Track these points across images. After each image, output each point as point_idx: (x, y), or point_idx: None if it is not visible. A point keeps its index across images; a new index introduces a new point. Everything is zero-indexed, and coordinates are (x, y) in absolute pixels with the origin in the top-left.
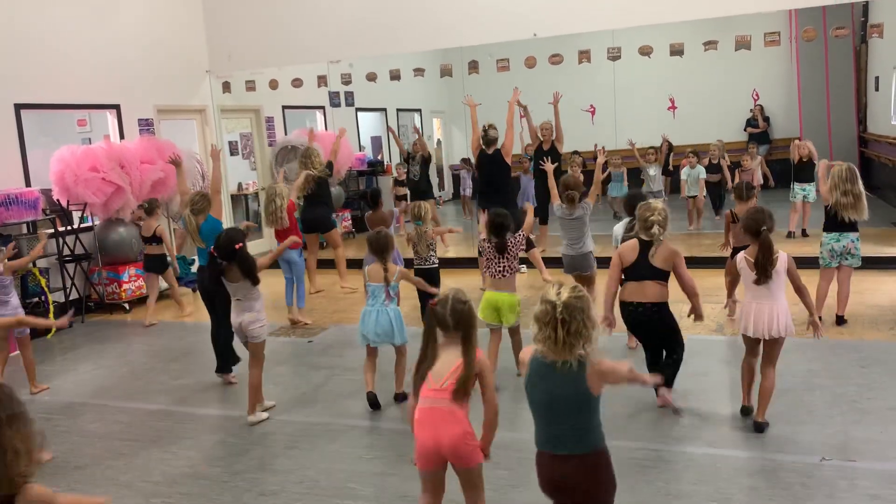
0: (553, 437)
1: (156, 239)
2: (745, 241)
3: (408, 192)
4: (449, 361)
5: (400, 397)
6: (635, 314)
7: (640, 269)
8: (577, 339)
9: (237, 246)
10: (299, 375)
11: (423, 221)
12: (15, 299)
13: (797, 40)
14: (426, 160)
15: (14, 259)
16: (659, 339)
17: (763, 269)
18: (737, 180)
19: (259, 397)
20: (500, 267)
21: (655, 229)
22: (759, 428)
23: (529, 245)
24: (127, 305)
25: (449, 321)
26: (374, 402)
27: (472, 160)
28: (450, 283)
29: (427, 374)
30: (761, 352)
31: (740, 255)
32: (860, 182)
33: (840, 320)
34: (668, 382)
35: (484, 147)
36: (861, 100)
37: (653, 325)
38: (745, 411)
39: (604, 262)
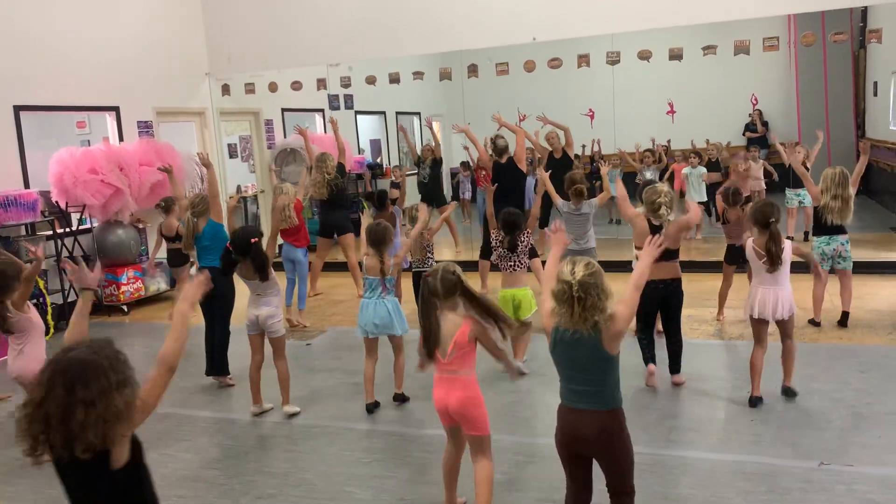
0: (574, 393)
1: (179, 237)
2: (735, 240)
3: (398, 194)
4: (448, 332)
5: (399, 398)
6: (657, 290)
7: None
8: (592, 313)
9: (253, 240)
10: (297, 378)
11: (415, 222)
12: None
13: (796, 45)
14: (437, 163)
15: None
16: (671, 315)
17: (774, 258)
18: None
19: (258, 397)
20: (510, 262)
21: (663, 210)
22: (788, 393)
23: (533, 253)
24: (125, 307)
25: (440, 289)
26: (372, 410)
27: (478, 172)
28: None
29: (435, 352)
30: (767, 336)
31: (749, 244)
32: (850, 187)
33: (845, 317)
34: (677, 369)
35: (496, 157)
36: (859, 105)
37: (674, 299)
38: (754, 402)
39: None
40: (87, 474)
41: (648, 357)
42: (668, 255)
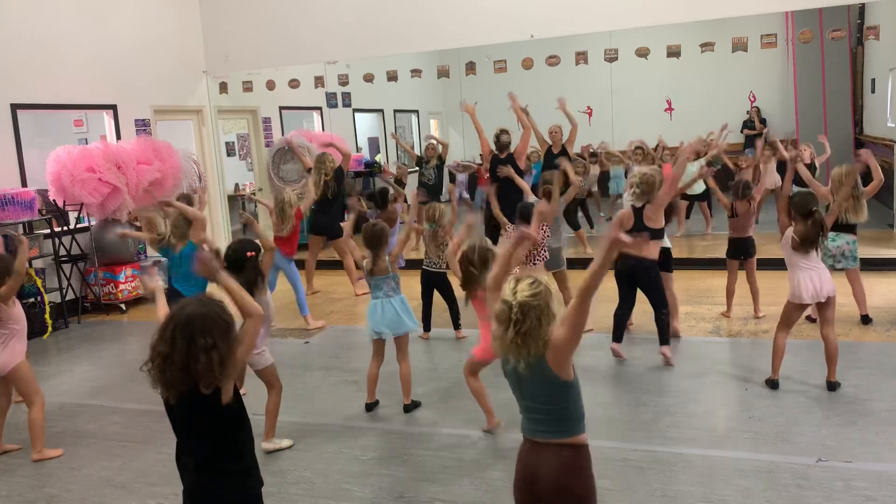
0: (532, 422)
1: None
2: (742, 234)
3: (403, 193)
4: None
5: (409, 408)
6: (629, 264)
7: (638, 232)
8: (527, 339)
9: (249, 254)
10: (295, 376)
11: (436, 224)
12: None
13: (794, 42)
14: (442, 163)
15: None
16: (648, 291)
17: (816, 242)
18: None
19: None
20: (531, 256)
21: (634, 189)
22: (832, 387)
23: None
24: (123, 306)
25: (476, 262)
26: (371, 409)
27: (479, 163)
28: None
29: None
30: (801, 320)
31: (788, 233)
32: (860, 184)
33: (865, 319)
34: (664, 341)
35: (497, 152)
36: (857, 102)
37: (646, 269)
38: (774, 384)
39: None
40: (204, 408)
41: (616, 336)
42: (651, 234)
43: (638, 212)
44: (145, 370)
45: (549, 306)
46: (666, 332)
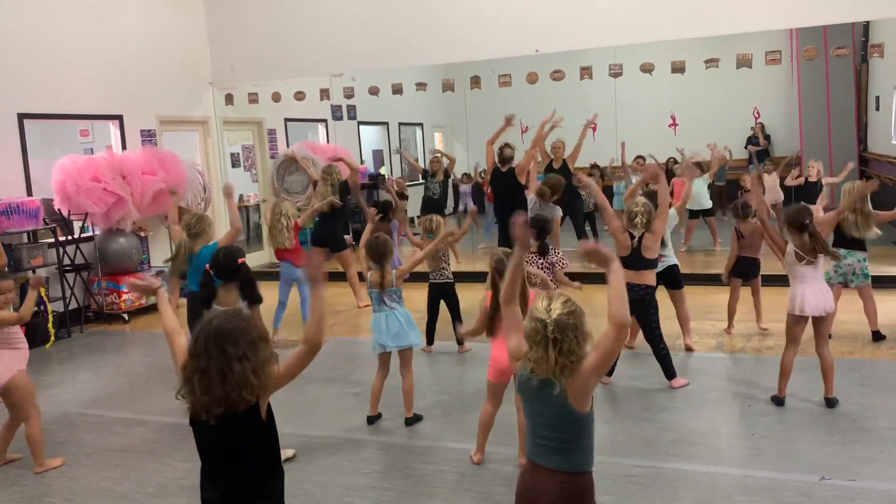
0: (538, 445)
1: None
2: (749, 253)
3: (405, 206)
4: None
5: (411, 421)
6: (630, 293)
7: (634, 261)
8: (568, 358)
9: (240, 260)
10: (295, 388)
11: (434, 235)
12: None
13: (798, 59)
14: (447, 176)
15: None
16: (644, 323)
17: (822, 249)
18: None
19: None
20: (541, 269)
21: (638, 219)
22: (831, 403)
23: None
24: (126, 316)
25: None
26: (372, 422)
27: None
28: (461, 295)
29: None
30: (803, 336)
31: (789, 248)
32: (868, 201)
33: (877, 336)
34: (669, 375)
35: (499, 165)
36: (861, 119)
37: (644, 304)
38: (780, 402)
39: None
40: (243, 424)
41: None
42: (647, 264)
43: (637, 241)
44: (180, 397)
45: (584, 325)
46: (670, 366)
